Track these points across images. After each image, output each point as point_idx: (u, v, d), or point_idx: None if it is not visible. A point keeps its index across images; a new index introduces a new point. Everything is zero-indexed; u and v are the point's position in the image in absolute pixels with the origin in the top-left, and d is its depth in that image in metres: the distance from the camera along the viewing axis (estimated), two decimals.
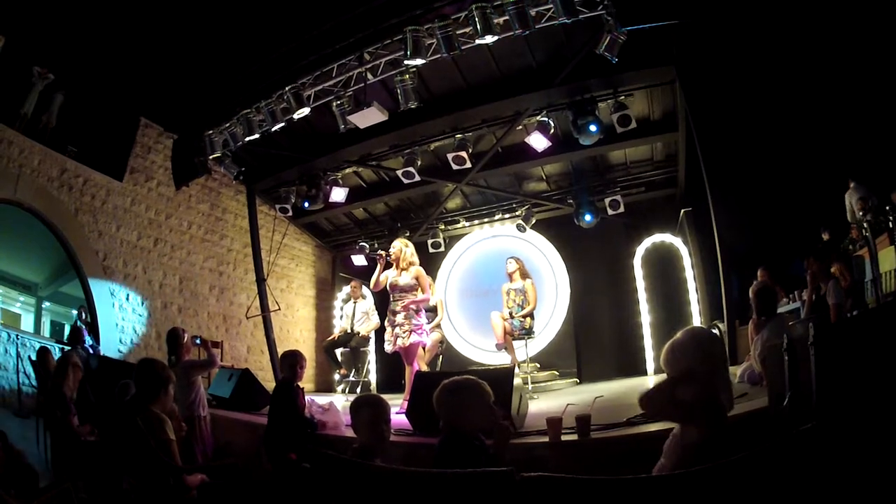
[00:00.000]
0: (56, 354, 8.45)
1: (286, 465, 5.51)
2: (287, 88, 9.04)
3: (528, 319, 9.22)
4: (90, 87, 10.49)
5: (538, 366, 11.51)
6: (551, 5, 7.38)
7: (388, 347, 7.93)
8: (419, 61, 8.03)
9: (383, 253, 8.08)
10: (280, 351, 10.11)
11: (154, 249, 11.42)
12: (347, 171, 12.28)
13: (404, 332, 7.70)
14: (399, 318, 7.78)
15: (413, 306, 7.78)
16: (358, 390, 10.95)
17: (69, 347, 9.07)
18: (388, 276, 8.02)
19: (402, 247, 8.07)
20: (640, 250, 12.47)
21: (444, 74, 9.67)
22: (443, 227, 13.85)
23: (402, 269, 7.97)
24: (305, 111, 9.10)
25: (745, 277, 9.60)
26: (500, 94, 9.94)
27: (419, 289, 7.90)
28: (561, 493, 2.17)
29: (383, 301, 12.29)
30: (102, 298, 10.36)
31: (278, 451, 5.84)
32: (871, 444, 2.13)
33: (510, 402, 5.47)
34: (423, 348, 8.17)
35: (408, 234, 13.64)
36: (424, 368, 8.25)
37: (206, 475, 4.76)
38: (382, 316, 10.86)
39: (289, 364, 6.34)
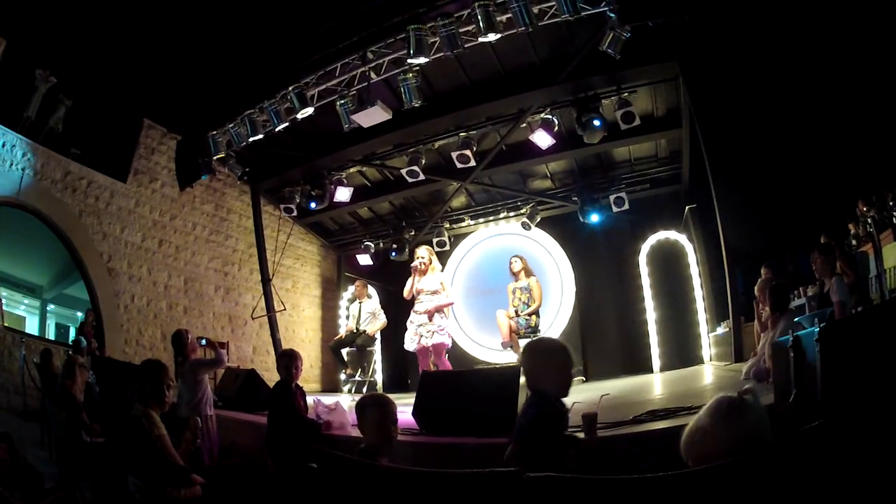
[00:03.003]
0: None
1: (291, 466, 5.51)
2: (290, 88, 9.02)
3: (533, 317, 9.21)
4: (93, 89, 10.50)
5: None
6: (554, 2, 7.37)
7: (411, 346, 8.40)
8: (422, 60, 8.03)
9: (418, 265, 8.51)
10: None
11: (159, 250, 11.44)
12: (352, 170, 12.29)
13: (428, 333, 8.21)
14: (423, 319, 8.30)
15: (437, 309, 8.31)
16: (364, 390, 10.94)
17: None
18: (415, 283, 8.51)
19: (429, 255, 8.66)
20: (645, 247, 12.48)
21: (448, 73, 9.67)
22: (447, 225, 13.86)
23: (428, 274, 8.51)
24: (309, 111, 9.10)
25: (750, 274, 9.59)
26: (503, 91, 9.94)
27: (442, 292, 8.42)
28: (567, 493, 2.16)
29: (388, 300, 12.32)
30: (107, 300, 10.37)
31: (280, 452, 5.84)
32: (877, 443, 2.12)
33: (517, 401, 5.47)
34: (435, 349, 8.41)
35: (413, 233, 13.67)
36: (430, 367, 8.33)
37: (212, 475, 4.77)
38: (387, 314, 10.94)
39: (284, 365, 6.34)
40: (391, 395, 4.11)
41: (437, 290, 8.45)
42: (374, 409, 3.68)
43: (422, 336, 8.25)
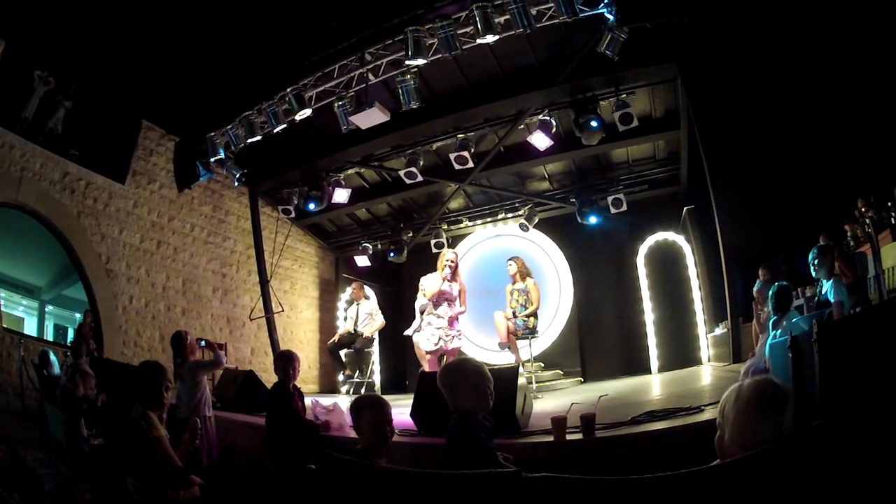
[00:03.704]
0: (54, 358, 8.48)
1: (290, 467, 5.51)
2: (289, 89, 9.01)
3: (531, 319, 9.20)
4: (91, 90, 10.49)
5: (542, 365, 11.51)
6: (552, 4, 7.36)
7: (428, 346, 8.43)
8: (420, 61, 8.03)
9: (450, 269, 8.60)
10: None
11: (157, 252, 11.42)
12: (350, 171, 12.29)
13: (448, 337, 8.40)
14: (443, 323, 8.45)
15: (455, 316, 8.57)
16: (362, 391, 10.94)
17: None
18: (436, 283, 8.56)
19: (456, 259, 8.84)
20: (643, 248, 12.48)
21: (446, 74, 9.67)
22: (446, 227, 13.82)
23: (451, 280, 8.63)
24: (307, 112, 9.09)
25: (749, 275, 9.60)
26: (501, 93, 9.95)
27: (459, 300, 8.66)
28: (566, 494, 2.17)
29: (386, 301, 12.31)
30: (106, 301, 10.36)
31: (279, 453, 5.84)
32: (877, 443, 2.12)
33: (515, 401, 5.48)
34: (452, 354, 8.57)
35: (411, 235, 13.66)
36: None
37: (212, 476, 4.77)
38: (386, 315, 10.95)
39: (281, 367, 6.35)
40: (389, 396, 4.13)
41: (456, 298, 8.64)
42: (370, 411, 3.71)
43: (441, 339, 8.39)
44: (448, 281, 8.53)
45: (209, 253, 12.59)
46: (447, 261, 8.61)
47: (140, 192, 11.17)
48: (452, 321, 8.49)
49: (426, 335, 8.45)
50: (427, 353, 8.46)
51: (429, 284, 8.60)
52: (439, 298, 8.50)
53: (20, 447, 6.15)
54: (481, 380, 3.60)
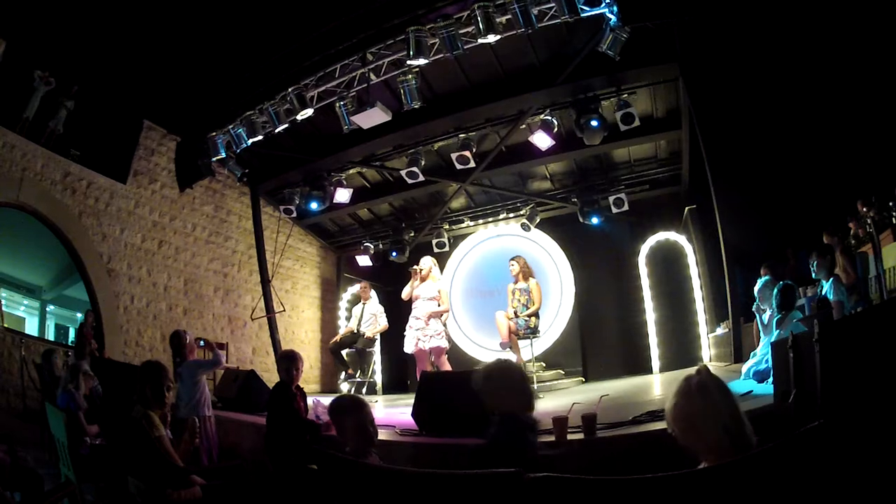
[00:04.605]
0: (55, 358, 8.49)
1: (290, 467, 5.51)
2: (290, 89, 9.03)
3: (533, 319, 9.20)
4: (93, 90, 10.50)
5: (544, 365, 11.52)
6: (553, 4, 7.36)
7: (409, 348, 8.88)
8: (422, 61, 8.05)
9: (418, 269, 9.10)
10: None
11: (158, 252, 11.43)
12: (351, 171, 12.29)
13: (425, 336, 8.69)
14: (420, 324, 8.77)
15: (434, 315, 8.79)
16: (364, 391, 10.94)
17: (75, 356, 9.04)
18: (413, 287, 9.02)
19: (431, 265, 9.17)
20: (645, 248, 12.46)
21: (447, 74, 9.66)
22: (447, 226, 13.85)
23: (428, 282, 9.00)
24: (309, 112, 9.10)
25: (750, 274, 9.59)
26: (503, 93, 9.93)
27: (438, 300, 8.87)
28: (568, 493, 2.16)
29: (387, 301, 12.32)
30: (107, 301, 10.36)
31: (279, 453, 5.84)
32: (877, 443, 2.12)
33: None
34: (434, 352, 8.83)
35: (412, 234, 13.68)
36: (429, 369, 8.44)
37: (212, 476, 4.78)
38: (389, 318, 10.99)
39: (284, 367, 6.32)
40: (390, 396, 4.13)
41: (434, 298, 8.87)
42: (351, 415, 3.70)
43: (419, 339, 8.68)
44: (418, 281, 8.97)
45: (211, 253, 12.59)
46: (418, 265, 9.16)
47: (141, 192, 11.18)
48: (429, 319, 8.74)
49: (408, 338, 8.85)
50: (411, 353, 8.89)
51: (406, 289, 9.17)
52: (415, 300, 8.95)
53: (21, 447, 6.15)
54: (524, 381, 3.59)
